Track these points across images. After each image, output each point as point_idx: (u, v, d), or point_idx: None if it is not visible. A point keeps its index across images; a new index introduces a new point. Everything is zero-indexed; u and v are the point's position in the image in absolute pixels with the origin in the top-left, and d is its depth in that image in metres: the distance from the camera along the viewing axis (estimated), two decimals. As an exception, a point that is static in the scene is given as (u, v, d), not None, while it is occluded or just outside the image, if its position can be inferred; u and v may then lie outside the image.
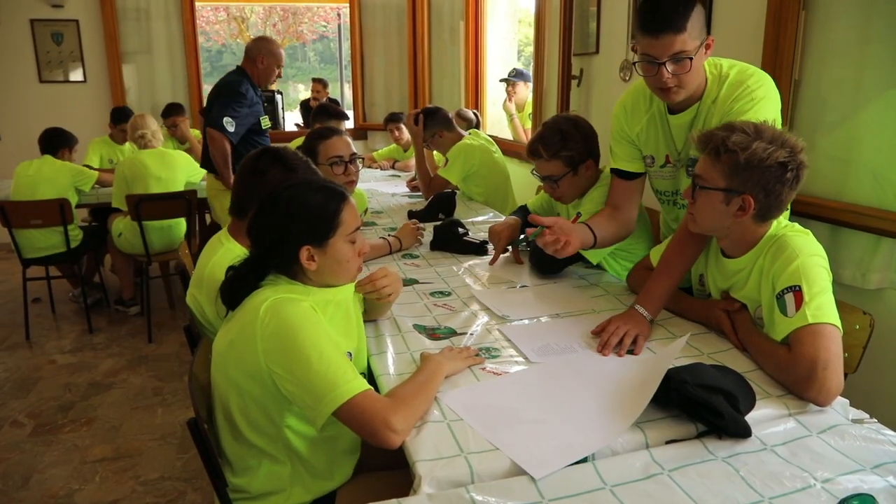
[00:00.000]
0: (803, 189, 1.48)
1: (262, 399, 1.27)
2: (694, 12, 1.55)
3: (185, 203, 3.86)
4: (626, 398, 1.25)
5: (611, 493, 1.01)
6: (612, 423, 1.18)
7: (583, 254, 2.02)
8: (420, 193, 3.64)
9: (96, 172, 4.14)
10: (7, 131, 5.63)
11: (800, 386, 1.26)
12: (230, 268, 1.38)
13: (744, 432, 1.14)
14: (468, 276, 2.12)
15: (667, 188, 1.95)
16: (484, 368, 1.43)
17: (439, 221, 2.67)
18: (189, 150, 4.62)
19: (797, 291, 1.32)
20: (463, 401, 1.28)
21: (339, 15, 14.02)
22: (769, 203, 1.40)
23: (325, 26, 17.56)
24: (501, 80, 4.95)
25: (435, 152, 3.82)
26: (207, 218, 4.86)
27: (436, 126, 3.46)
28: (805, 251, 1.38)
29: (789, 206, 1.54)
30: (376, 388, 1.35)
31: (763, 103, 1.62)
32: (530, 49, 4.44)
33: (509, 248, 2.31)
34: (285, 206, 1.34)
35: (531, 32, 4.35)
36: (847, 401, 1.27)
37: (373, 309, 1.70)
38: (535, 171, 2.20)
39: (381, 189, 3.99)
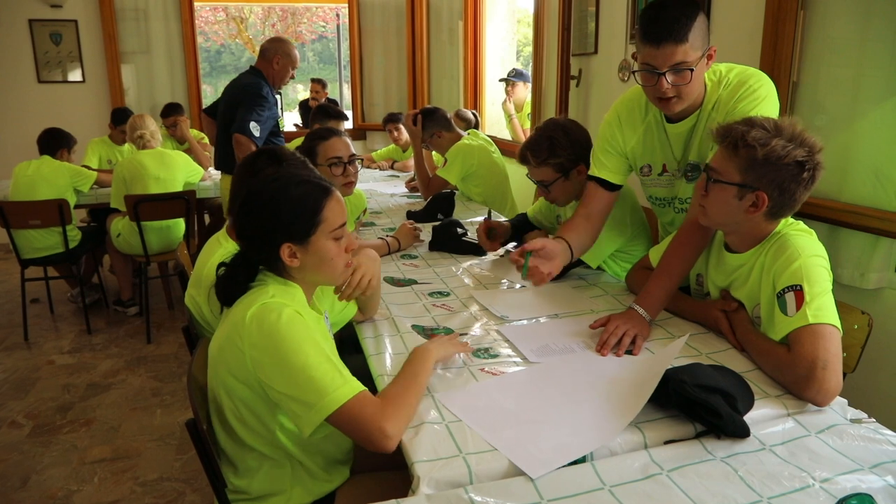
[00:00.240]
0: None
1: (254, 403, 1.26)
2: (696, 22, 1.53)
3: (184, 203, 3.85)
4: (624, 398, 1.25)
5: (610, 493, 1.01)
6: (610, 423, 1.18)
7: (583, 257, 2.02)
8: (419, 194, 3.64)
9: (95, 173, 4.14)
10: (5, 132, 5.63)
11: (798, 386, 1.26)
12: (220, 264, 1.35)
13: (742, 432, 1.14)
14: (467, 277, 2.12)
15: (664, 195, 1.94)
16: (482, 369, 1.42)
17: (438, 222, 2.67)
18: (188, 151, 4.61)
19: (798, 291, 1.32)
20: (461, 401, 1.28)
21: (337, 15, 14.03)
22: (783, 201, 1.39)
23: (324, 26, 17.56)
24: (501, 80, 4.95)
25: (434, 153, 3.83)
26: (206, 218, 4.86)
27: (434, 126, 3.45)
28: (807, 251, 1.38)
29: None
30: (374, 388, 1.35)
31: (766, 102, 1.62)
32: (529, 49, 4.45)
33: (509, 248, 2.32)
34: (265, 201, 1.30)
35: (530, 32, 4.35)
36: (845, 400, 1.27)
37: (364, 306, 1.68)
38: (528, 175, 2.21)
39: (380, 189, 3.99)
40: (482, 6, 5.31)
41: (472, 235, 2.50)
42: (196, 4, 6.05)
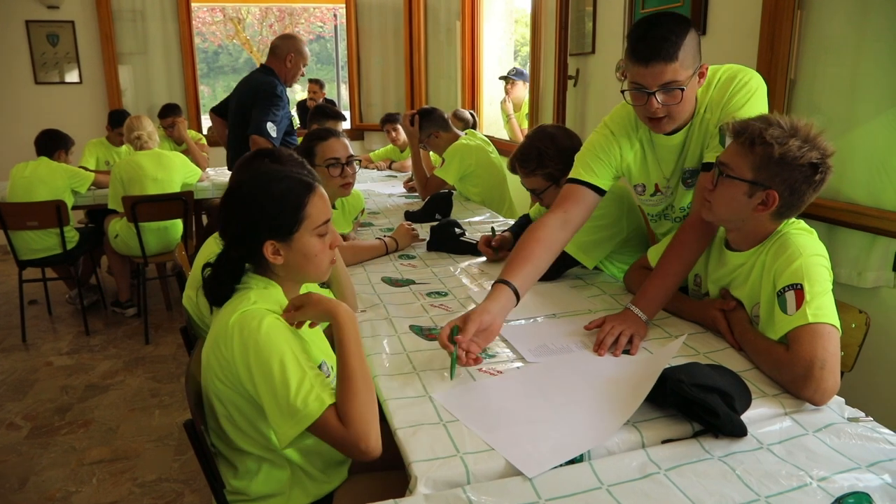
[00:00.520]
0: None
1: (245, 409, 1.25)
2: (687, 40, 1.49)
3: (182, 204, 3.85)
4: (621, 398, 1.25)
5: (607, 492, 1.01)
6: (606, 423, 1.18)
7: (579, 259, 2.02)
8: (417, 194, 3.65)
9: (92, 174, 4.13)
10: (2, 133, 5.62)
11: (796, 385, 1.26)
12: (206, 265, 1.34)
13: (740, 431, 1.14)
14: (465, 277, 2.12)
15: (658, 212, 1.93)
16: (480, 369, 1.42)
17: (436, 222, 2.67)
18: (185, 152, 4.61)
19: (798, 290, 1.32)
20: (458, 401, 1.28)
21: (335, 15, 14.01)
22: (791, 202, 1.39)
23: (321, 27, 17.55)
24: (501, 78, 4.96)
25: (431, 153, 3.83)
26: (204, 219, 4.86)
27: (431, 127, 3.46)
28: (808, 250, 1.38)
29: None
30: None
31: (758, 94, 1.61)
32: (527, 49, 4.45)
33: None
34: (247, 198, 1.28)
35: (528, 32, 4.35)
36: (843, 399, 1.27)
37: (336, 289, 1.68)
38: (521, 183, 2.21)
39: (378, 190, 3.99)
40: (479, 6, 5.31)
41: (469, 235, 2.50)
42: (193, 5, 6.05)
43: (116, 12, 5.79)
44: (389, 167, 4.96)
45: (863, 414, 1.24)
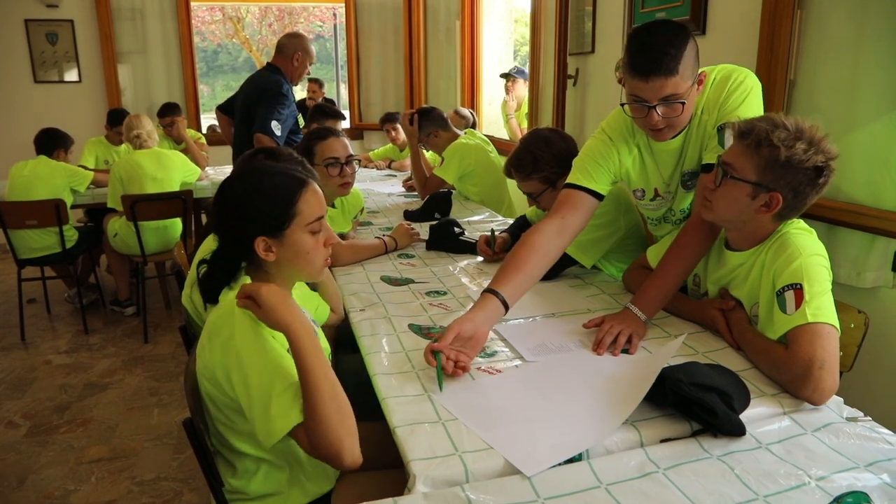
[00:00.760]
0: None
1: (236, 410, 1.25)
2: (686, 51, 1.47)
3: (181, 203, 3.85)
4: (620, 397, 1.25)
5: (606, 491, 1.01)
6: (605, 422, 1.18)
7: (577, 258, 2.02)
8: (416, 193, 3.64)
9: (91, 173, 4.13)
10: (1, 132, 5.62)
11: (795, 384, 1.26)
12: (201, 261, 1.33)
13: (738, 431, 1.14)
14: (464, 276, 2.12)
15: (658, 216, 1.93)
16: (479, 367, 1.42)
17: (435, 221, 2.67)
18: (185, 151, 4.61)
19: (798, 289, 1.32)
20: (457, 400, 1.28)
21: (334, 15, 13.98)
22: (794, 204, 1.39)
23: (320, 26, 17.53)
24: (502, 76, 4.96)
25: (430, 152, 3.83)
26: (203, 218, 4.86)
27: (431, 126, 3.46)
28: (808, 250, 1.38)
29: None
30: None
31: (753, 93, 1.61)
32: (526, 49, 4.45)
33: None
34: (238, 194, 1.27)
35: (527, 32, 4.35)
36: (841, 399, 1.27)
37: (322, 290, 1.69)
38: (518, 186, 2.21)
39: (378, 189, 3.99)
40: (479, 6, 5.31)
41: (469, 235, 2.50)
42: (192, 4, 6.05)
43: (116, 11, 5.79)
44: (389, 166, 4.95)
45: (861, 414, 1.24)
